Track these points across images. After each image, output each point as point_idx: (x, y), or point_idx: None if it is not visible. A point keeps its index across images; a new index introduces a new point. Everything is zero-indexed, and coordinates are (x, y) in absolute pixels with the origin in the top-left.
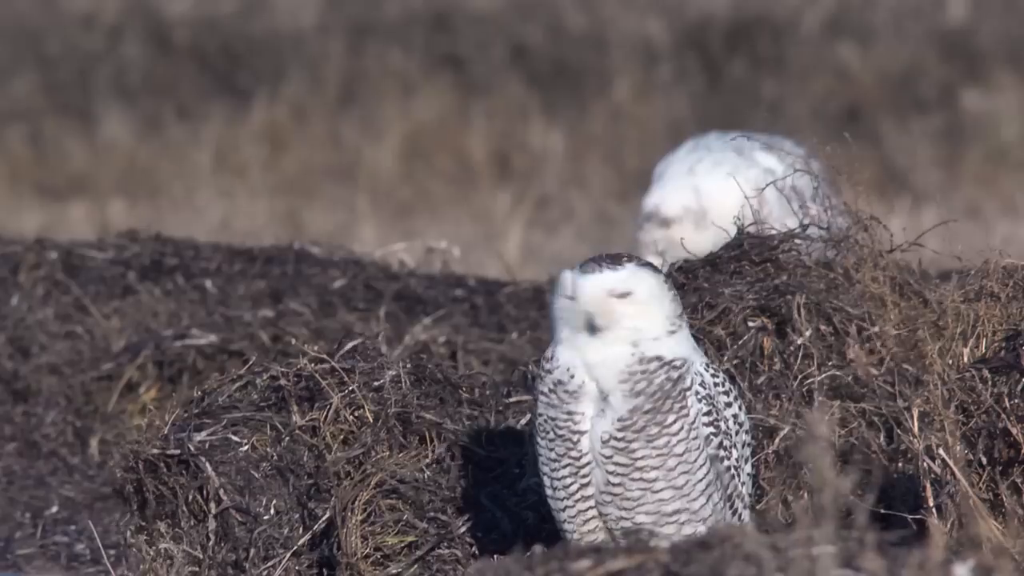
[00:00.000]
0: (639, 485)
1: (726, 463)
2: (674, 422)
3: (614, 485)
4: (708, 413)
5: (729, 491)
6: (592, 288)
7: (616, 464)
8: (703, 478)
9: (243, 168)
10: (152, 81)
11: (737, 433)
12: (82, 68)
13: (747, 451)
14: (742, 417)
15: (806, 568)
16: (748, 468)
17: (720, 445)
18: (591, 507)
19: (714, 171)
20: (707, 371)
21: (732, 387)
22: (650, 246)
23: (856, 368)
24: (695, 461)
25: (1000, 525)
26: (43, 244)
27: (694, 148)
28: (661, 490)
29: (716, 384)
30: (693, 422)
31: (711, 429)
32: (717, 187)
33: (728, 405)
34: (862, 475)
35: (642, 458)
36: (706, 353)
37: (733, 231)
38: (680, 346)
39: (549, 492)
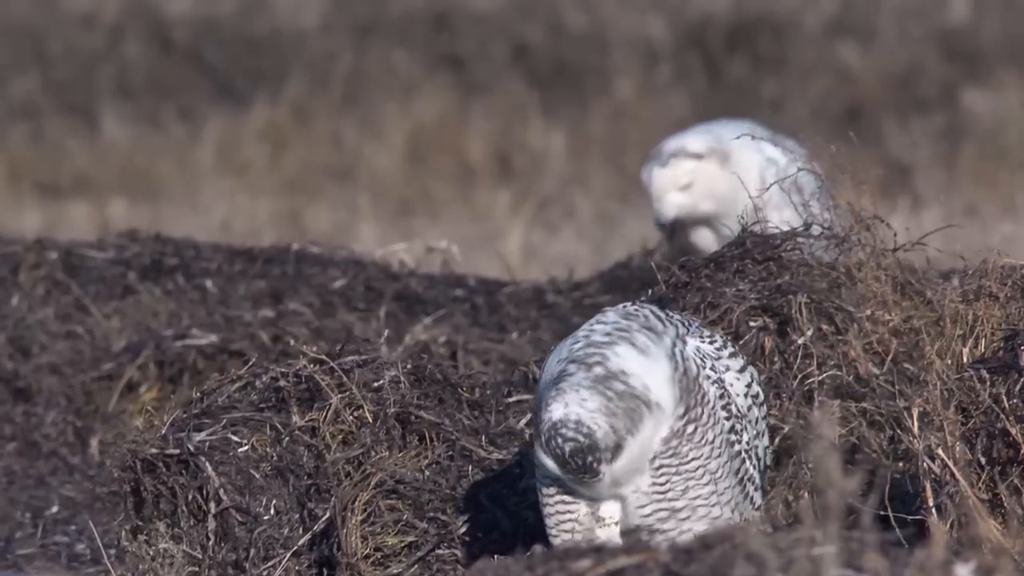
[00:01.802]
0: (685, 477)
1: (736, 447)
2: (702, 413)
3: (660, 485)
4: (721, 396)
5: (740, 475)
6: (594, 489)
7: (664, 466)
8: (726, 461)
9: (244, 168)
10: (153, 81)
11: (750, 408)
12: (83, 68)
13: (763, 425)
14: (755, 388)
15: (808, 568)
16: (764, 442)
17: (732, 429)
18: (568, 509)
19: (731, 132)
20: (705, 342)
21: (736, 351)
22: (676, 180)
23: (856, 361)
24: (720, 446)
25: (1000, 525)
26: (43, 244)
27: (707, 124)
28: (701, 477)
29: (720, 356)
30: (713, 407)
31: (724, 413)
32: (737, 137)
33: (739, 374)
34: (866, 475)
35: (687, 452)
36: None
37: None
38: (664, 370)
39: (539, 494)
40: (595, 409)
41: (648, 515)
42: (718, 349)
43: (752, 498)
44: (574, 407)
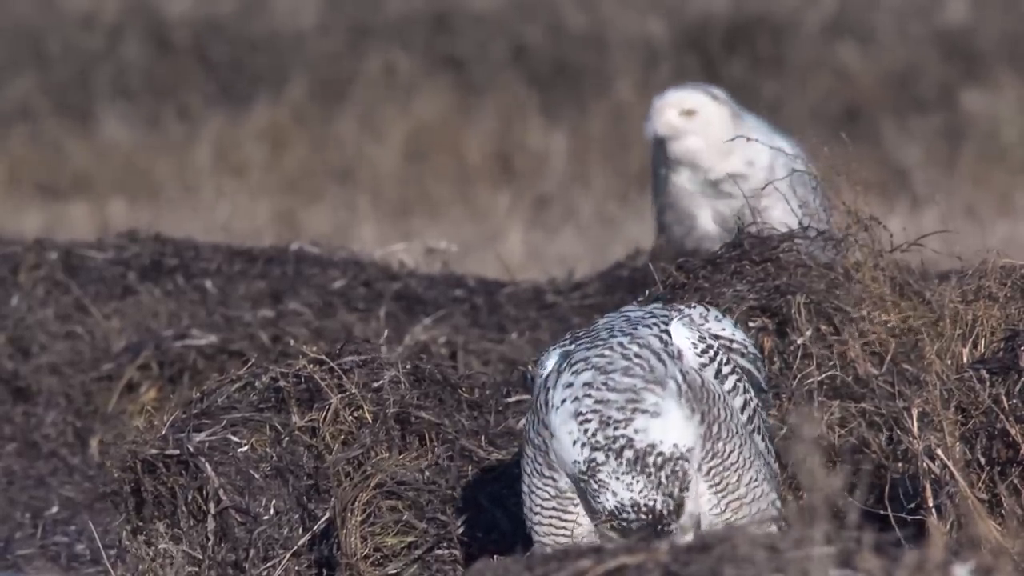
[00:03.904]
0: (733, 469)
1: (751, 406)
2: (720, 412)
3: (717, 484)
4: (727, 362)
5: (756, 427)
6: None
7: (712, 468)
8: (751, 445)
9: (243, 168)
10: (152, 81)
11: (743, 356)
12: (82, 68)
13: (760, 363)
14: (739, 336)
15: (803, 569)
16: (763, 376)
17: (744, 390)
18: (564, 524)
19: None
20: (687, 318)
21: (715, 311)
22: (682, 102)
23: (856, 364)
24: (741, 433)
25: (999, 525)
26: (43, 244)
27: None
28: (744, 463)
29: (704, 323)
30: (724, 401)
31: (736, 377)
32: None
33: (722, 328)
34: (854, 473)
35: (724, 448)
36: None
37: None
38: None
39: (525, 489)
40: (643, 488)
41: (722, 512)
42: (701, 316)
43: (768, 447)
44: (624, 493)
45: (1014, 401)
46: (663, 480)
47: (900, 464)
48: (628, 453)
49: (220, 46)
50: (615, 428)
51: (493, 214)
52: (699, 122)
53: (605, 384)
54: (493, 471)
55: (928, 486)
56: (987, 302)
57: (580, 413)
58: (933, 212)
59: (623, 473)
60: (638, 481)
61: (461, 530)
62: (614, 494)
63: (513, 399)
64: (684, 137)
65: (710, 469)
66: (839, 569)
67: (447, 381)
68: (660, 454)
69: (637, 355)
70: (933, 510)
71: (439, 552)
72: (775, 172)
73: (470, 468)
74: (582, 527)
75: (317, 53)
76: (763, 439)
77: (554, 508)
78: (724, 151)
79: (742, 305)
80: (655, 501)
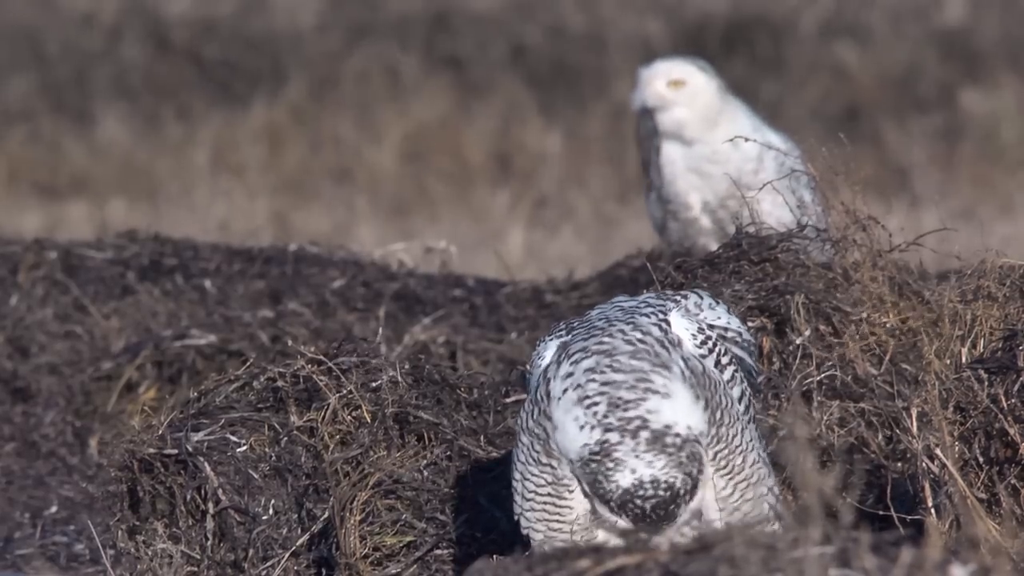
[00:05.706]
0: (739, 451)
1: (748, 394)
2: (721, 399)
3: (724, 468)
4: (725, 353)
5: (751, 417)
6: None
7: (718, 452)
8: (750, 430)
9: (242, 168)
10: (151, 81)
11: (738, 344)
12: (81, 68)
13: (753, 349)
14: (733, 324)
15: (800, 569)
16: (755, 363)
17: (740, 381)
18: (559, 511)
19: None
20: (683, 308)
21: (707, 298)
22: (670, 72)
23: (855, 364)
24: (739, 418)
25: (997, 525)
26: (42, 244)
27: None
28: (746, 446)
29: (699, 312)
30: (723, 387)
31: (734, 367)
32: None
33: (717, 316)
34: (847, 473)
35: (727, 432)
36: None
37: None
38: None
39: (517, 476)
40: (664, 465)
41: (731, 495)
42: (696, 305)
43: (761, 440)
44: (644, 470)
45: (1012, 401)
46: (684, 459)
47: (899, 464)
48: (645, 434)
49: (219, 46)
50: (626, 409)
51: (492, 214)
52: (687, 93)
53: (610, 367)
54: (492, 471)
55: (927, 486)
56: (986, 302)
57: (587, 397)
58: (932, 212)
59: (643, 451)
60: (659, 459)
61: (460, 530)
62: (632, 471)
63: (512, 399)
64: (672, 108)
65: (716, 454)
66: (837, 569)
67: (446, 381)
68: (677, 435)
69: (641, 340)
70: (932, 510)
71: (438, 552)
72: (763, 156)
73: (469, 468)
74: (575, 511)
75: (316, 53)
76: (756, 428)
77: (549, 494)
78: (711, 123)
79: (741, 305)
80: (675, 479)
